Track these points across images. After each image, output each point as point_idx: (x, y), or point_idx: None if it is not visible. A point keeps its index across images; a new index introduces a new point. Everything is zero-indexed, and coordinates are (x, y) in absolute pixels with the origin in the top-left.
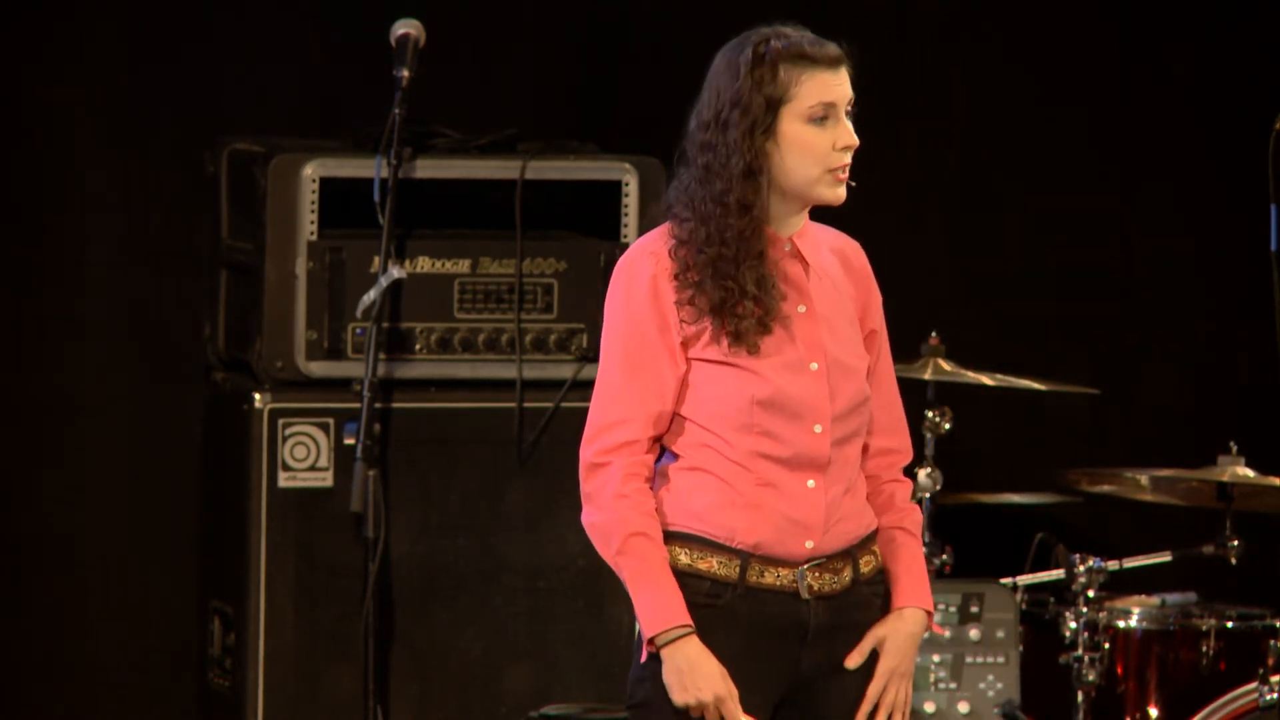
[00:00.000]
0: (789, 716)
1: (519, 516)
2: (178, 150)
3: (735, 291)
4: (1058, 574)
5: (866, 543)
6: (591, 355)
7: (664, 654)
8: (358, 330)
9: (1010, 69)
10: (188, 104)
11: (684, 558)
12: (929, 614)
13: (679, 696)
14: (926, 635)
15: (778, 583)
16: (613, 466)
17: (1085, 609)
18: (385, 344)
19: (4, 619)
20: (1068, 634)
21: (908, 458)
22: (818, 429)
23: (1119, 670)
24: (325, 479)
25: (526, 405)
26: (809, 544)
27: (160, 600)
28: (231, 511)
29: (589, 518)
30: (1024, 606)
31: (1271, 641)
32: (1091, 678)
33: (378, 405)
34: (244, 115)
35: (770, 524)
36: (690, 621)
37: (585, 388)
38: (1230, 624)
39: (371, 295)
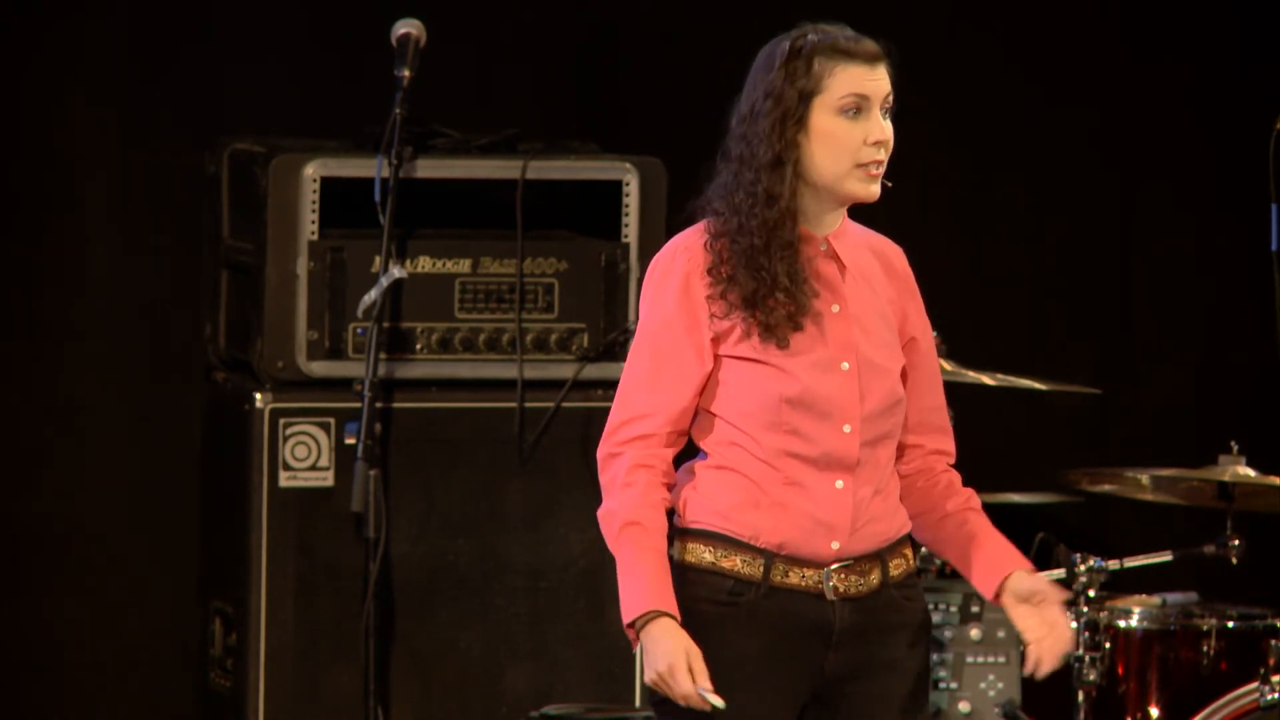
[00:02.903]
0: (820, 713)
1: (519, 516)
2: (178, 150)
3: (767, 283)
4: (1059, 573)
5: (898, 545)
6: (592, 355)
7: (641, 637)
8: (358, 330)
9: (1011, 69)
10: (188, 104)
11: (708, 555)
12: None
13: (646, 677)
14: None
15: (803, 583)
16: (624, 457)
17: (1086, 608)
18: (386, 344)
19: (4, 619)
20: None
21: (952, 459)
22: (847, 429)
23: (1120, 670)
24: (326, 479)
25: (527, 405)
26: (835, 545)
27: (160, 600)
28: (232, 511)
29: (600, 509)
30: None
31: (1272, 641)
32: (1092, 677)
33: (378, 405)
34: (244, 115)
35: (796, 524)
36: (663, 607)
37: (586, 388)
38: (1231, 624)
39: (372, 295)
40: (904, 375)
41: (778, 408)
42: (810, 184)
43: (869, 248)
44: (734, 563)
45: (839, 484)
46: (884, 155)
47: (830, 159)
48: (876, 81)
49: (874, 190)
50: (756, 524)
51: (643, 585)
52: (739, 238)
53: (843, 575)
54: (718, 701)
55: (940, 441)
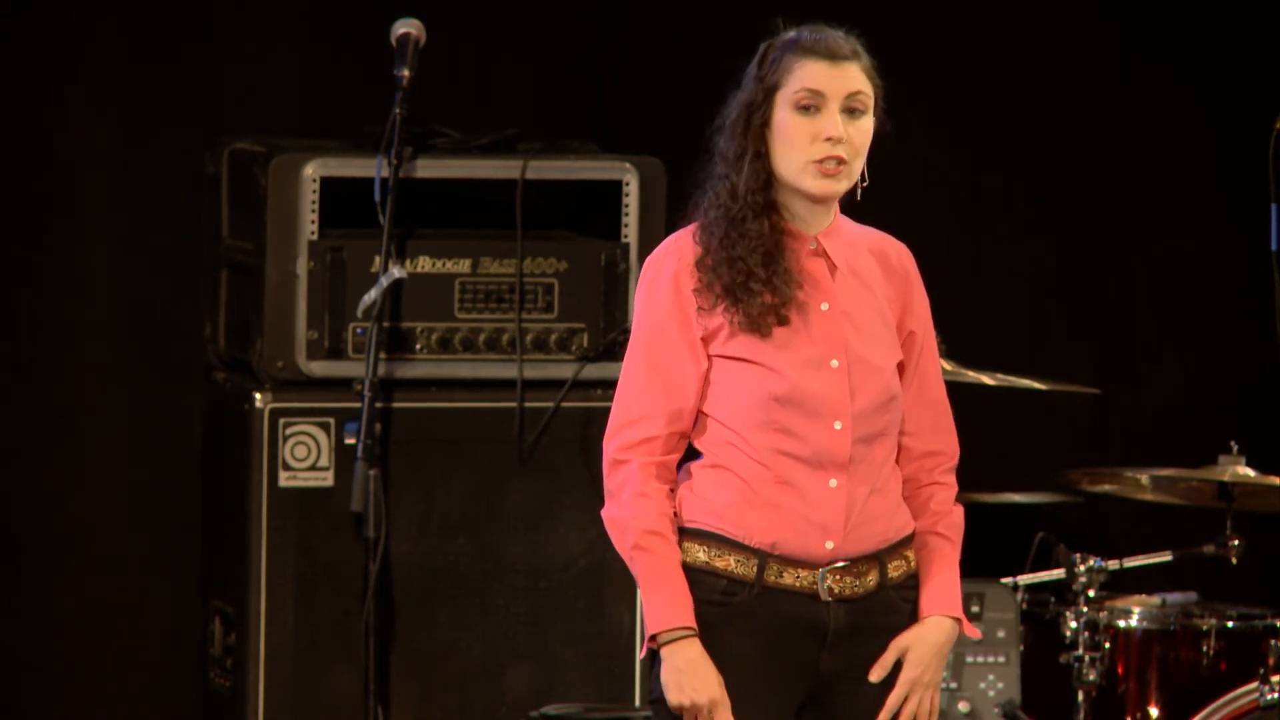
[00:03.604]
0: (812, 718)
1: (519, 516)
2: (178, 150)
3: (744, 271)
4: (1058, 573)
5: (898, 547)
6: (592, 355)
7: (663, 653)
8: (358, 330)
9: (1011, 69)
10: (188, 104)
11: (702, 555)
12: (958, 621)
13: (674, 697)
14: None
15: (797, 584)
16: (633, 465)
17: (1086, 608)
18: (386, 344)
19: (4, 619)
20: (1068, 633)
21: (954, 459)
22: (838, 426)
23: (1119, 670)
24: (326, 479)
25: (527, 405)
26: (829, 545)
27: (160, 600)
28: (232, 511)
29: (608, 512)
30: (1025, 606)
31: (1272, 641)
32: (1092, 677)
33: (378, 405)
34: (244, 115)
35: (788, 524)
36: (694, 625)
37: (586, 388)
38: (1231, 624)
39: (372, 295)
40: (901, 371)
41: (767, 406)
42: (779, 179)
43: (867, 246)
44: (728, 563)
45: (832, 483)
46: (842, 152)
47: (787, 154)
48: (837, 79)
49: (830, 186)
50: (750, 523)
51: (671, 598)
52: (715, 229)
53: (838, 577)
54: None
55: (933, 440)
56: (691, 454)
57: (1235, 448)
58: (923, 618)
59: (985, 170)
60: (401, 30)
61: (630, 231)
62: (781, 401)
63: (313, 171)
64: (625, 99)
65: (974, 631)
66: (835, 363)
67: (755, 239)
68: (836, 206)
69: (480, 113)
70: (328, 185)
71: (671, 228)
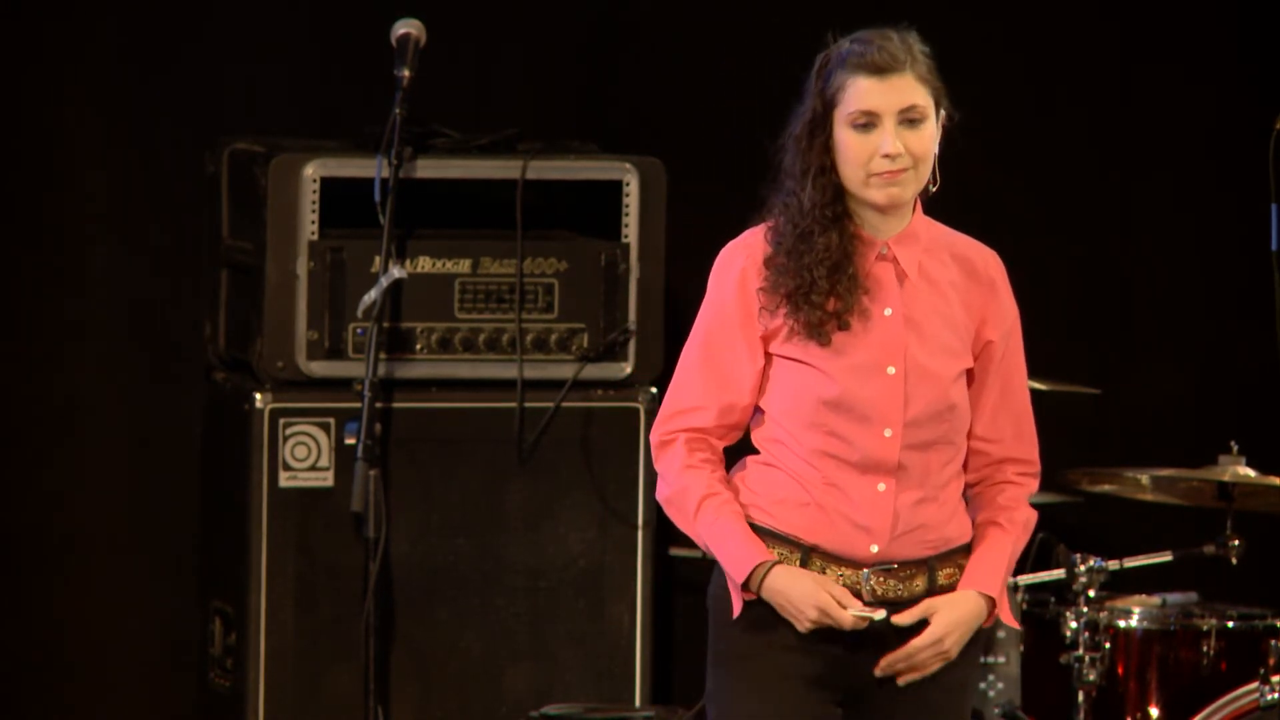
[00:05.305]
0: (852, 715)
1: (519, 516)
2: (178, 150)
3: (807, 280)
4: (1058, 574)
5: (952, 555)
6: (592, 355)
7: (763, 595)
8: (358, 330)
9: (1010, 68)
10: (188, 104)
11: None
12: (993, 600)
13: (801, 627)
14: (1002, 634)
15: (840, 581)
16: (678, 442)
17: (1086, 609)
18: (386, 344)
19: (4, 619)
20: (1068, 634)
21: (1032, 468)
22: (887, 433)
23: (1119, 670)
24: (326, 479)
25: (527, 405)
26: (874, 548)
27: (160, 600)
28: (232, 511)
29: (661, 493)
30: (1025, 606)
31: (1272, 641)
32: (1092, 677)
33: (378, 405)
34: (244, 115)
35: (833, 526)
36: (769, 557)
37: (586, 388)
38: (1231, 624)
39: (372, 295)
40: (971, 379)
41: (816, 409)
42: (847, 190)
43: (951, 252)
44: (771, 555)
45: (880, 487)
46: (901, 165)
47: (849, 169)
48: (889, 95)
49: (896, 194)
50: (795, 522)
51: (740, 544)
52: (784, 238)
53: (881, 579)
54: (877, 615)
55: (1014, 448)
56: (751, 447)
57: (1235, 448)
58: (959, 590)
59: (985, 170)
60: (401, 30)
61: (630, 231)
62: (830, 406)
63: (313, 171)
64: (625, 99)
65: (1012, 620)
66: (892, 369)
67: (822, 251)
68: (918, 209)
69: (480, 113)
70: (328, 185)
71: (672, 228)
